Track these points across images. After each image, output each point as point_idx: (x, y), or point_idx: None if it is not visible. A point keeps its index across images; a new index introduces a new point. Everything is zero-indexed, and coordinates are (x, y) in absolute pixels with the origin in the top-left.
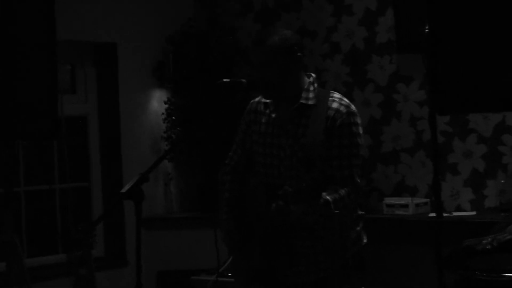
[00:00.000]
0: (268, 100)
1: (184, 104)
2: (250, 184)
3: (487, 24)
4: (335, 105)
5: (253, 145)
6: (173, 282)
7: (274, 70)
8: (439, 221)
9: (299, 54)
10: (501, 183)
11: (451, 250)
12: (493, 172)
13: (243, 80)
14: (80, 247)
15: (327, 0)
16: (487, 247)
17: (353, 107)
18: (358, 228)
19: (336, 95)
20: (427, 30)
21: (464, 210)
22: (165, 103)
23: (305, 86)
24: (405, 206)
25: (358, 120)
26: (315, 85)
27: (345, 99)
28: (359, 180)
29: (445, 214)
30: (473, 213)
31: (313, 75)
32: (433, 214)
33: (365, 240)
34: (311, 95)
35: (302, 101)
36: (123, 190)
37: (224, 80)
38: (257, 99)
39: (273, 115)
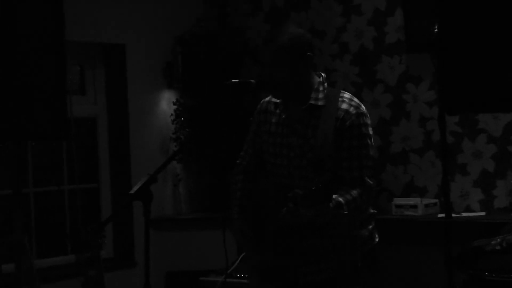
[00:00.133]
0: (278, 100)
1: (193, 105)
2: (261, 184)
3: (497, 24)
4: (344, 105)
5: (263, 145)
6: (181, 283)
7: (284, 70)
8: (448, 221)
9: (309, 54)
10: (510, 183)
11: (460, 250)
12: (503, 172)
13: (252, 81)
14: (89, 248)
15: (336, 0)
16: (496, 248)
17: (363, 107)
18: (370, 227)
19: (346, 95)
20: (436, 29)
21: (474, 211)
22: (174, 104)
23: (315, 86)
24: (414, 206)
25: (368, 121)
26: (325, 84)
27: (355, 100)
28: (371, 181)
29: (454, 215)
30: (483, 213)
31: (323, 74)
32: (442, 215)
33: (377, 239)
34: (320, 95)
35: (312, 101)
36: (132, 191)
37: (233, 80)
38: (267, 98)
39: (283, 115)
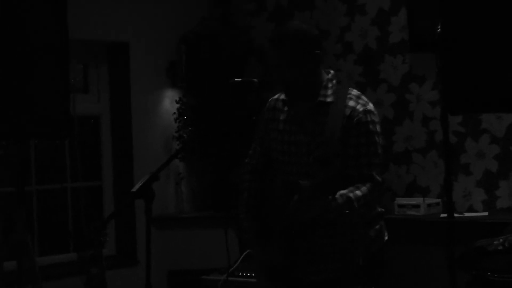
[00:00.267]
0: (286, 97)
1: (196, 103)
2: (269, 183)
3: (501, 24)
4: (352, 103)
5: (272, 143)
6: (183, 282)
7: (294, 70)
8: (450, 221)
9: (317, 51)
10: None
11: (463, 250)
12: (506, 173)
13: (255, 80)
14: (91, 245)
15: None
16: (499, 248)
17: (370, 105)
18: (378, 227)
19: (354, 92)
20: (439, 29)
21: (476, 211)
22: (177, 102)
23: (324, 83)
24: (417, 206)
25: (376, 119)
26: (334, 81)
27: (363, 97)
28: (379, 179)
29: (456, 215)
30: (485, 213)
31: (331, 71)
32: (445, 215)
33: (386, 237)
34: (329, 92)
35: (321, 98)
36: (134, 189)
37: (236, 79)
38: (275, 96)
39: (291, 112)
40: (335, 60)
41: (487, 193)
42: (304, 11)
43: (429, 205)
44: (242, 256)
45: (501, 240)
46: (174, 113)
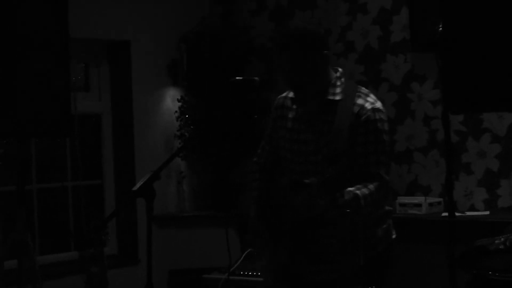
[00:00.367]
0: (294, 96)
1: (197, 102)
2: (278, 183)
3: (502, 23)
4: (360, 101)
5: (280, 141)
6: (184, 281)
7: (304, 73)
8: (451, 220)
9: (326, 52)
10: None
11: (463, 250)
12: (507, 172)
13: (256, 78)
14: (92, 244)
15: None
16: (500, 247)
17: (379, 103)
18: (385, 226)
19: (363, 90)
20: (440, 28)
21: (478, 210)
22: (179, 101)
23: (332, 81)
24: (418, 205)
25: (384, 117)
26: (342, 79)
27: (372, 95)
28: (387, 177)
29: (458, 214)
30: (487, 212)
31: (340, 69)
32: (446, 214)
33: (394, 236)
34: (338, 90)
35: (329, 96)
36: (135, 188)
37: (237, 78)
38: (284, 94)
39: (300, 111)
40: (336, 59)
41: (489, 192)
42: (305, 10)
43: (430, 204)
44: (243, 255)
45: (502, 239)
46: (176, 111)
